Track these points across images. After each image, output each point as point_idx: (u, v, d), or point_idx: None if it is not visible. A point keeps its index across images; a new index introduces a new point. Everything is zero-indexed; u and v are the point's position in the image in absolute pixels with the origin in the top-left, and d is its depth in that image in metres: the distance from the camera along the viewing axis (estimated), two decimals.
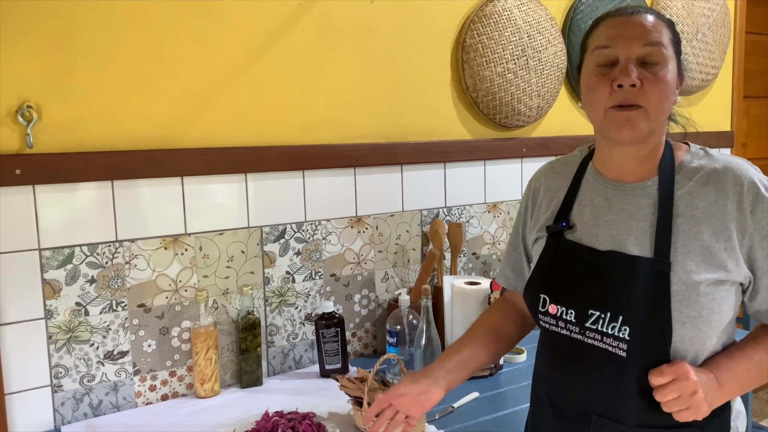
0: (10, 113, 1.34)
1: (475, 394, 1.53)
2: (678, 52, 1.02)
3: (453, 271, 1.92)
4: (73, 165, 1.40)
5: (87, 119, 1.42)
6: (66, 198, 1.41)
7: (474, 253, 2.03)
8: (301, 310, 1.73)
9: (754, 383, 1.00)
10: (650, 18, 0.99)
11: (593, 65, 1.00)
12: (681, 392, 0.91)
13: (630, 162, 1.05)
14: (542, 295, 1.09)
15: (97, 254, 1.45)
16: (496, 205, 2.05)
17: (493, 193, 2.04)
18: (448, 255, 1.95)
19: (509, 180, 2.07)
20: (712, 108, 2.59)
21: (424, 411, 1.12)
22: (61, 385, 1.43)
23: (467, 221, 2.00)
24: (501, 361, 1.69)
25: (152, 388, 1.54)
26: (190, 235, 1.56)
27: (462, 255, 2.00)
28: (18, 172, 1.34)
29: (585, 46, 1.05)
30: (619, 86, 0.96)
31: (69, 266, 1.42)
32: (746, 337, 1.03)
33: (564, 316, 1.05)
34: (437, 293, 1.84)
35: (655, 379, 0.92)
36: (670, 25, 1.01)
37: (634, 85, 0.95)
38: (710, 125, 2.59)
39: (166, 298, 1.54)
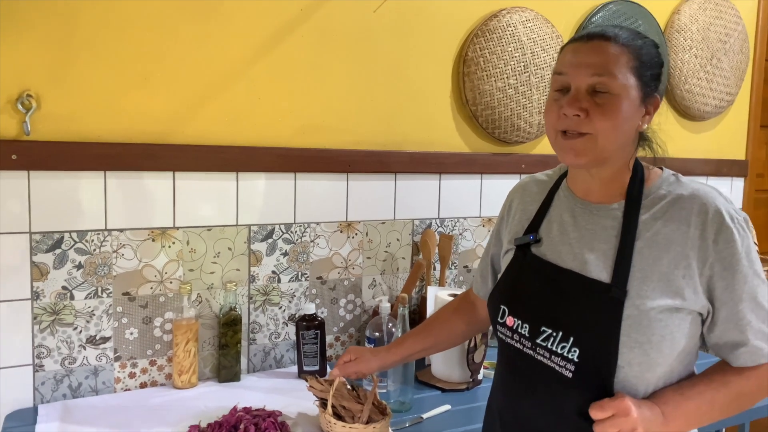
0: (10, 101, 1.40)
1: (446, 407, 1.53)
2: (647, 76, 1.00)
3: (441, 283, 1.92)
4: (68, 154, 1.45)
5: (84, 111, 1.47)
6: (59, 185, 1.46)
7: (466, 266, 2.02)
8: (285, 310, 1.75)
9: (702, 421, 0.98)
10: (609, 46, 0.98)
11: (552, 89, 1.04)
12: (620, 428, 0.90)
13: (593, 183, 1.06)
14: (502, 306, 1.09)
15: (86, 241, 1.50)
16: (491, 219, 2.05)
17: (489, 207, 2.04)
18: (439, 266, 1.95)
19: (506, 195, 2.06)
20: (726, 135, 2.54)
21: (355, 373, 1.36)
22: (43, 365, 1.48)
23: (460, 234, 2.00)
24: (480, 376, 1.69)
25: (132, 375, 1.58)
26: (178, 228, 1.59)
27: (453, 267, 2.00)
28: (14, 157, 1.40)
29: (555, 67, 1.06)
30: (565, 114, 0.98)
31: (58, 251, 1.47)
32: (702, 373, 1.02)
33: (519, 330, 1.05)
34: (422, 303, 1.84)
35: (595, 413, 0.92)
36: (639, 49, 0.99)
37: (578, 115, 0.97)
38: (723, 153, 2.54)
39: (151, 288, 1.58)
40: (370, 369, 1.34)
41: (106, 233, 1.52)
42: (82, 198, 1.49)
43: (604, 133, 0.97)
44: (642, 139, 1.07)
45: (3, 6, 1.34)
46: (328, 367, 1.71)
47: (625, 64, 0.97)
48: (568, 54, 1.01)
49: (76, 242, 1.49)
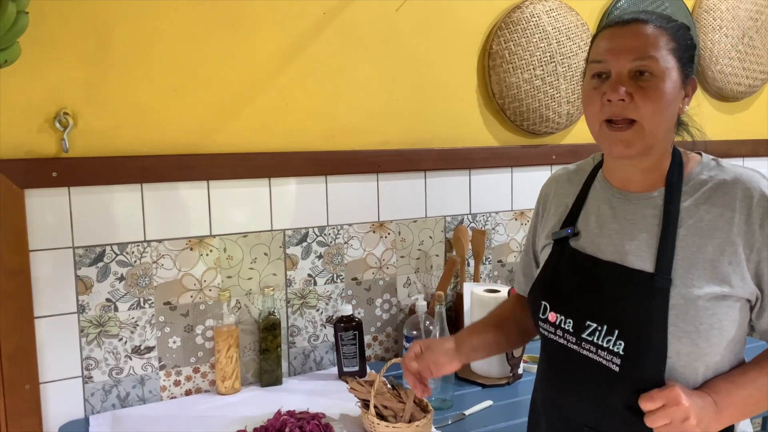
0: (48, 120, 1.43)
1: (488, 403, 1.53)
2: (685, 58, 0.99)
3: (476, 279, 1.91)
4: (106, 168, 1.49)
5: (119, 125, 1.50)
6: (98, 199, 1.49)
7: (500, 261, 2.01)
8: (322, 313, 1.77)
9: (756, 409, 0.96)
10: (646, 28, 0.96)
11: (588, 77, 1.01)
12: (671, 418, 0.88)
13: (634, 172, 1.04)
14: (543, 302, 1.08)
15: (127, 253, 1.53)
16: (523, 212, 2.03)
17: (521, 200, 2.02)
18: (473, 262, 1.94)
19: (537, 187, 2.03)
20: (761, 115, 2.47)
21: (437, 376, 1.17)
22: (92, 377, 1.52)
23: (493, 228, 1.99)
24: (520, 370, 1.68)
25: (177, 383, 1.61)
26: (215, 236, 1.62)
27: (487, 262, 1.99)
28: (54, 174, 1.44)
29: (587, 56, 1.04)
30: (609, 101, 0.96)
31: (100, 264, 1.51)
32: (752, 361, 0.99)
33: (562, 325, 1.04)
34: (458, 300, 1.84)
35: (645, 405, 0.90)
36: (675, 31, 0.98)
37: (623, 100, 0.94)
38: (759, 133, 2.47)
39: (191, 297, 1.61)
40: (454, 370, 1.19)
41: (145, 245, 1.55)
42: (120, 211, 1.52)
43: (648, 119, 0.95)
44: (679, 123, 1.06)
45: (37, 28, 1.37)
46: (367, 367, 1.72)
47: (665, 45, 0.95)
48: (603, 41, 0.99)
49: (117, 255, 1.52)
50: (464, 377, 1.67)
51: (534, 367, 1.71)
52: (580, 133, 2.09)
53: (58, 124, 1.44)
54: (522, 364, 1.69)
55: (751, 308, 0.97)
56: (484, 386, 1.64)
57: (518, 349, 1.65)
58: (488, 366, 1.66)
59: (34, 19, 1.35)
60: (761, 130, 2.48)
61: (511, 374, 1.65)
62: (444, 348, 1.17)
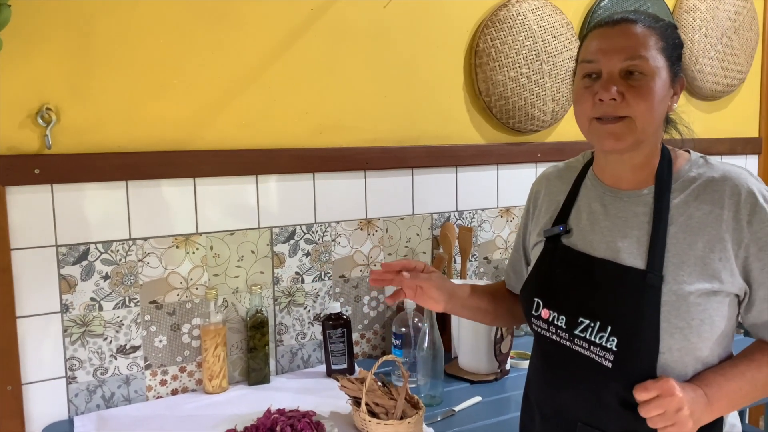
0: (30, 115, 1.40)
1: (477, 399, 1.53)
2: (674, 57, 1.00)
3: (463, 275, 1.92)
4: (90, 165, 1.46)
5: (103, 121, 1.47)
6: (82, 197, 1.46)
7: (486, 258, 2.02)
8: (309, 311, 1.76)
9: (745, 401, 0.98)
10: (636, 28, 0.98)
11: (579, 77, 1.02)
12: (665, 408, 0.90)
13: (625, 169, 1.05)
14: (536, 299, 1.09)
15: (112, 251, 1.50)
16: (509, 209, 2.05)
17: (506, 197, 2.04)
18: (459, 259, 1.95)
19: (523, 185, 2.06)
20: (739, 114, 2.53)
21: (416, 301, 1.15)
22: (76, 377, 1.49)
23: (479, 225, 2.00)
24: (507, 366, 1.69)
25: (163, 383, 1.59)
26: (201, 234, 1.60)
27: (474, 259, 2.00)
28: (37, 171, 1.40)
29: (577, 56, 1.05)
30: (601, 100, 0.97)
31: (84, 262, 1.48)
32: (740, 353, 1.01)
33: (555, 322, 1.05)
34: None
35: (640, 395, 0.91)
36: (664, 30, 1.00)
37: (615, 99, 0.96)
38: (737, 131, 2.53)
39: (178, 295, 1.58)
40: (435, 310, 1.18)
41: (130, 242, 1.52)
42: (105, 209, 1.49)
43: (642, 115, 0.96)
44: (667, 121, 1.07)
45: (20, 20, 1.34)
46: (356, 365, 1.72)
47: (654, 45, 0.97)
48: (594, 40, 1.00)
49: (101, 253, 1.49)
50: (452, 373, 1.68)
51: (521, 363, 1.74)
52: (565, 131, 2.11)
53: (40, 120, 1.40)
54: (509, 360, 1.70)
55: (740, 303, 0.99)
56: (472, 382, 1.64)
57: (506, 345, 1.66)
58: (476, 362, 1.67)
59: (17, 11, 1.31)
60: (739, 128, 2.53)
61: (499, 370, 1.66)
62: (441, 284, 1.14)
